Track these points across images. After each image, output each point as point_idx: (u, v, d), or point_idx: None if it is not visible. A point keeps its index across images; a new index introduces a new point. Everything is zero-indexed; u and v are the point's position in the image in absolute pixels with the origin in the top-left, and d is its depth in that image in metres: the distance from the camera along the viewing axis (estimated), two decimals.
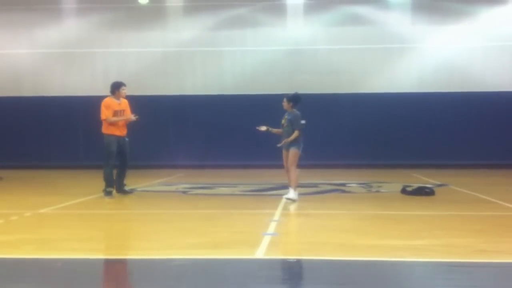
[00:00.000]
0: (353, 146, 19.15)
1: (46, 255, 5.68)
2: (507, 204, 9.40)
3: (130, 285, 4.93)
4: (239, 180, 14.58)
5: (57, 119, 19.87)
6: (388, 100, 19.32)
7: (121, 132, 10.60)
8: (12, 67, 20.40)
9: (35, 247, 6.05)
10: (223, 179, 14.89)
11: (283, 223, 7.73)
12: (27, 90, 20.27)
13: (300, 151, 9.98)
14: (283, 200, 9.83)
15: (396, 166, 18.26)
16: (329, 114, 19.19)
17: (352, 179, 14.28)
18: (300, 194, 10.19)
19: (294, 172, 9.96)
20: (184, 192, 11.84)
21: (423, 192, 10.65)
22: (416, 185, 11.28)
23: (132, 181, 11.94)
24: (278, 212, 8.54)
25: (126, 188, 10.92)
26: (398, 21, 19.79)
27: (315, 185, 12.74)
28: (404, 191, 10.90)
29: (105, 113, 10.48)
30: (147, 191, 12.03)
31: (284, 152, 10.09)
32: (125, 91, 10.71)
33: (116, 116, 10.50)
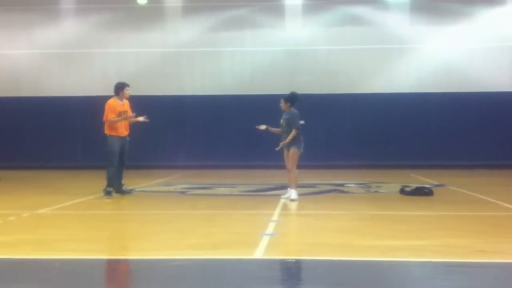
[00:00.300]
0: (352, 147, 19.17)
1: (44, 255, 5.66)
2: (505, 205, 9.40)
3: (129, 286, 4.93)
4: (238, 181, 14.58)
5: (56, 119, 19.88)
6: (387, 100, 19.35)
7: (122, 132, 10.62)
8: (11, 67, 20.41)
9: (33, 247, 6.05)
10: (222, 180, 14.89)
11: (282, 223, 7.73)
12: (26, 90, 20.27)
13: (301, 150, 10.00)
14: (282, 201, 9.84)
15: (395, 166, 18.28)
16: (328, 114, 19.21)
17: (350, 180, 14.28)
18: (298, 195, 10.20)
19: (294, 172, 9.97)
20: (182, 193, 11.84)
21: (421, 192, 10.65)
22: (414, 186, 11.28)
23: (131, 182, 11.93)
24: (276, 213, 8.54)
25: (124, 188, 10.92)
26: (397, 21, 19.81)
27: (313, 186, 12.74)
28: (402, 191, 10.90)
29: (108, 115, 10.49)
30: (146, 191, 12.03)
31: (285, 152, 10.10)
32: (128, 91, 10.74)
33: (120, 117, 10.51)
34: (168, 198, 11.11)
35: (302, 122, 10.14)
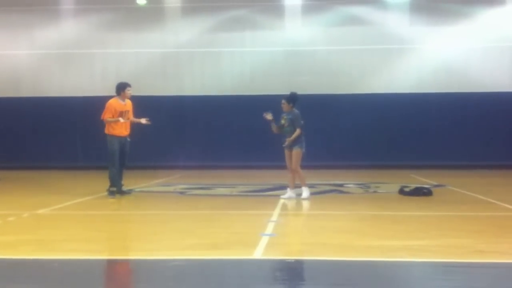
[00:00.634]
0: (351, 147, 19.17)
1: (44, 255, 5.66)
2: (505, 205, 9.40)
3: (129, 286, 4.93)
4: (238, 181, 14.58)
5: (55, 119, 19.87)
6: (386, 100, 19.35)
7: (122, 132, 10.63)
8: (11, 67, 20.42)
9: (32, 247, 6.05)
10: (222, 180, 14.89)
11: (281, 223, 7.73)
12: (26, 90, 20.28)
13: (304, 149, 10.05)
14: (281, 201, 9.86)
15: (394, 166, 18.28)
16: (327, 115, 19.20)
17: (350, 180, 14.29)
18: (298, 195, 10.22)
19: (301, 172, 10.09)
20: (182, 193, 11.84)
21: (421, 192, 10.66)
22: (414, 186, 11.29)
23: (130, 182, 11.94)
24: (276, 213, 8.54)
25: (124, 188, 10.93)
26: (397, 22, 19.82)
27: (313, 186, 12.70)
28: (402, 191, 10.91)
29: (105, 114, 10.53)
30: (146, 191, 12.03)
31: (287, 152, 10.14)
32: (130, 91, 10.77)
33: (121, 117, 10.53)
34: (167, 199, 11.11)
35: (301, 122, 10.17)
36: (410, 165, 18.22)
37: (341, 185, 13.15)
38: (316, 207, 9.59)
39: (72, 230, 7.30)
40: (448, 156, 19.04)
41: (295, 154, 10.04)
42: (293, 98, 10.23)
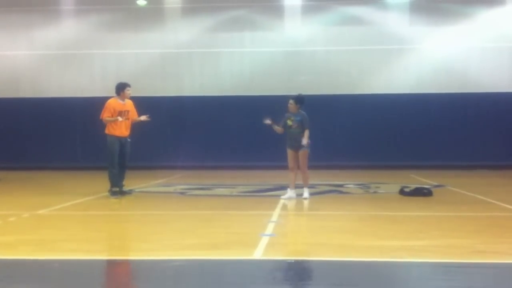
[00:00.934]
0: (351, 147, 19.17)
1: (44, 256, 5.67)
2: (504, 205, 9.40)
3: (129, 286, 4.93)
4: (238, 181, 14.58)
5: (55, 120, 19.87)
6: (386, 101, 19.35)
7: (122, 132, 10.63)
8: (11, 68, 20.41)
9: (32, 248, 6.05)
10: (222, 180, 14.90)
11: (281, 224, 7.74)
12: (26, 91, 20.28)
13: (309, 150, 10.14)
14: (281, 201, 9.87)
15: (394, 167, 18.27)
16: (327, 115, 19.18)
17: (350, 180, 14.29)
18: (298, 195, 10.23)
19: (307, 172, 10.21)
20: (182, 193, 11.84)
21: (421, 193, 10.66)
22: (414, 186, 11.29)
23: (130, 182, 11.93)
24: (276, 213, 8.54)
25: (125, 188, 10.94)
26: (396, 22, 19.83)
27: (313, 186, 12.69)
28: (402, 192, 10.91)
29: (103, 113, 10.54)
30: (145, 192, 12.03)
31: (292, 152, 10.18)
32: (129, 91, 10.78)
33: (121, 117, 10.54)
34: (167, 199, 11.12)
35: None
36: (410, 165, 18.22)
37: (341, 186, 13.15)
38: (316, 207, 9.59)
39: (72, 230, 7.30)
40: (448, 156, 19.05)
41: (303, 155, 10.12)
42: (301, 100, 10.29)
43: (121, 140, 10.61)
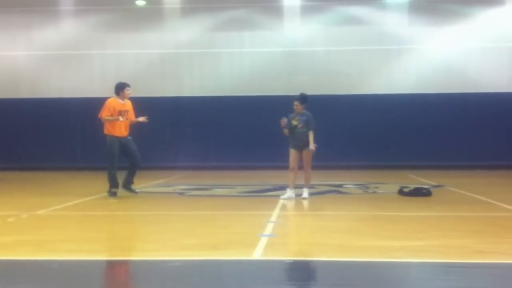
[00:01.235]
0: (350, 147, 19.17)
1: (44, 256, 5.66)
2: (504, 205, 9.41)
3: (128, 286, 4.93)
4: (237, 181, 14.57)
5: (55, 120, 19.89)
6: (385, 101, 19.37)
7: (122, 132, 10.62)
8: (10, 69, 20.42)
9: (32, 248, 6.05)
10: (221, 180, 14.89)
11: (280, 224, 7.73)
12: (25, 91, 20.29)
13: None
14: (280, 201, 9.87)
15: (393, 167, 18.28)
16: (326, 115, 19.10)
17: (349, 180, 14.30)
18: (297, 195, 10.23)
19: (311, 172, 10.28)
20: (181, 194, 11.84)
21: (420, 193, 10.66)
22: (413, 186, 11.29)
23: None
24: (275, 213, 8.54)
25: (133, 187, 10.98)
26: (396, 22, 19.84)
27: (312, 186, 12.66)
28: (401, 192, 10.91)
29: (102, 112, 10.53)
30: (145, 192, 12.02)
31: (295, 152, 10.20)
32: (129, 91, 10.78)
33: (121, 117, 10.53)
34: (167, 199, 11.11)
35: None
36: (409, 165, 18.24)
37: (340, 186, 13.15)
38: (315, 207, 9.59)
39: (72, 230, 7.30)
40: (447, 156, 19.06)
41: (307, 154, 10.16)
42: (304, 99, 10.34)
43: (121, 141, 10.61)
